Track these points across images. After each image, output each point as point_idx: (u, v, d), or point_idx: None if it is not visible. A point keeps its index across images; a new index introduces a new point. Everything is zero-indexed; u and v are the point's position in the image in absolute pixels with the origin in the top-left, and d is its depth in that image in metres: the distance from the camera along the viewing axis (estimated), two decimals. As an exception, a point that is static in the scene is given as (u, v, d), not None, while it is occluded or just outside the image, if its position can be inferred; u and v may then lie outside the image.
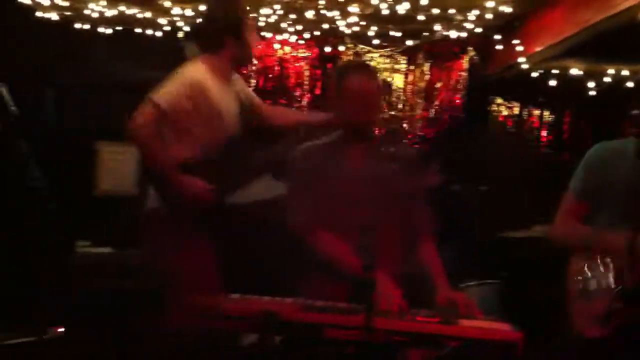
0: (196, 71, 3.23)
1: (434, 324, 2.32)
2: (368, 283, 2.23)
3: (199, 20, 3.45)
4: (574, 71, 5.00)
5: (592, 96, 5.28)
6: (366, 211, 2.67)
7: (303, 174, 2.87)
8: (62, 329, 3.31)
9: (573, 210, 2.85)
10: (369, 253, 2.06)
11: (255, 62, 5.92)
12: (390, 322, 2.31)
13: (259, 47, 3.37)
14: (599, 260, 2.67)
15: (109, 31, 5.53)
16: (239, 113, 3.39)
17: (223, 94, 3.28)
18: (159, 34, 5.62)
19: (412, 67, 5.95)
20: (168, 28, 5.56)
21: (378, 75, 2.92)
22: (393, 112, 5.91)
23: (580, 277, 2.74)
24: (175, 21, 5.44)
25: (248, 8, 4.35)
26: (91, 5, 5.12)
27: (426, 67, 5.95)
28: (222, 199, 3.17)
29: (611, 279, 2.61)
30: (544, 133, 6.13)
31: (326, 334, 2.32)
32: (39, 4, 5.09)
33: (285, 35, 5.83)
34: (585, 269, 2.74)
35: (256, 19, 5.27)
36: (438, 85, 5.96)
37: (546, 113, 6.16)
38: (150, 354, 3.22)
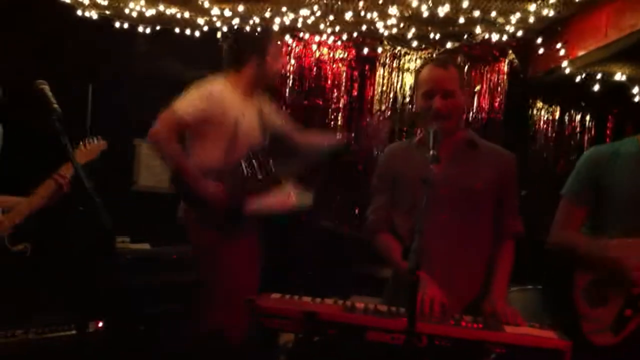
0: (216, 85, 3.41)
1: (478, 330, 2.29)
2: (413, 286, 2.20)
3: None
4: (618, 76, 4.91)
5: (637, 102, 5.19)
6: (437, 213, 2.53)
7: (382, 173, 2.84)
8: (102, 323, 3.35)
9: (571, 217, 2.82)
10: (418, 256, 2.01)
11: (292, 62, 5.97)
12: (434, 326, 2.28)
13: (281, 71, 3.50)
14: (605, 269, 2.64)
15: (148, 30, 5.58)
16: (261, 128, 3.54)
17: (243, 109, 3.44)
18: (197, 33, 5.65)
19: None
20: (206, 28, 5.59)
21: (460, 67, 2.69)
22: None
23: (588, 285, 2.71)
24: (214, 22, 5.47)
25: (286, 10, 4.42)
26: (131, 5, 5.17)
27: (465, 69, 5.89)
28: (239, 204, 3.28)
29: (619, 287, 2.59)
30: (585, 137, 6.04)
31: (368, 337, 2.30)
32: (80, 2, 5.16)
33: (324, 37, 5.84)
34: (593, 277, 2.71)
35: (295, 20, 5.30)
36: (477, 88, 5.91)
37: (588, 118, 6.06)
38: (188, 350, 3.24)
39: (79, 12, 5.25)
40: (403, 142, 2.90)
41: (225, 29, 5.61)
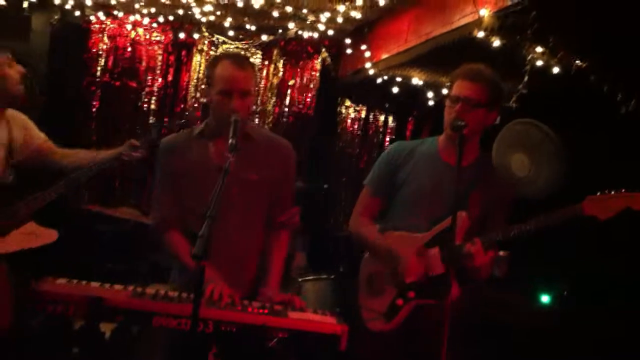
0: None
1: (262, 315, 2.37)
2: (199, 272, 2.24)
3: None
4: (415, 80, 5.25)
5: (431, 106, 5.54)
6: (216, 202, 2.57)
7: (162, 169, 2.79)
8: None
9: (367, 206, 3.01)
10: (204, 243, 2.05)
11: (106, 41, 5.76)
12: (220, 312, 2.34)
13: (20, 86, 3.09)
14: (383, 259, 2.85)
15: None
16: (7, 160, 3.15)
17: None
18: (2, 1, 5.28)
19: (266, 63, 6.01)
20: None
21: (249, 64, 2.71)
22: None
23: (368, 277, 2.93)
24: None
25: None
26: None
27: (280, 64, 6.03)
28: None
29: (394, 276, 2.81)
30: (387, 137, 6.39)
31: (154, 322, 2.30)
32: None
33: (139, 17, 5.69)
34: (372, 266, 2.93)
35: None
36: (291, 82, 6.06)
37: (390, 118, 6.43)
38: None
39: None
40: (180, 135, 2.84)
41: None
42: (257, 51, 5.96)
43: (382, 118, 6.44)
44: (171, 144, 2.79)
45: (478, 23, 3.37)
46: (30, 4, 5.41)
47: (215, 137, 2.71)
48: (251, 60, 5.80)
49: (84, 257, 4.49)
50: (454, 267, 2.54)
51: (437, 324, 2.35)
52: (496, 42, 3.47)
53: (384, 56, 4.79)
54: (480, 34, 3.41)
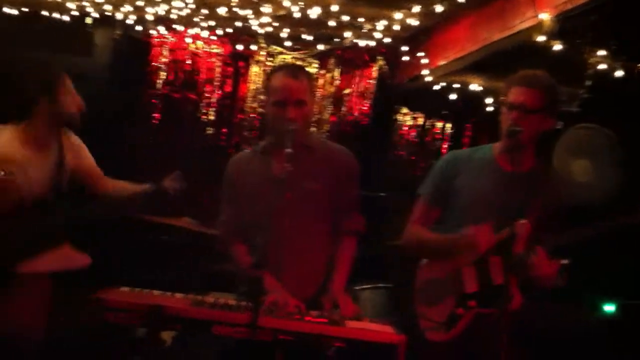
0: None
1: (320, 325, 2.38)
2: (257, 280, 2.27)
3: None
4: (474, 86, 5.20)
5: (490, 112, 5.47)
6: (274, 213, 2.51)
7: (227, 185, 2.88)
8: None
9: (422, 215, 2.97)
10: (262, 253, 2.09)
11: (168, 54, 5.89)
12: (278, 321, 2.35)
13: (81, 104, 3.11)
14: (443, 266, 2.81)
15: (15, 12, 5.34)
16: (53, 179, 3.16)
17: (25, 162, 3.06)
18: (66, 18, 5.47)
19: (323, 72, 6.03)
20: (76, 13, 5.42)
21: (306, 74, 2.76)
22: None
23: (425, 282, 2.89)
24: (85, 6, 5.31)
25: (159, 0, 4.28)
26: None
27: (337, 72, 6.05)
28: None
29: (454, 284, 2.77)
30: (444, 145, 6.33)
31: (214, 331, 2.34)
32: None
33: (198, 30, 5.80)
34: (430, 274, 2.89)
35: (169, 11, 5.24)
36: (347, 91, 6.07)
37: (448, 125, 6.37)
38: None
39: None
40: (246, 152, 2.96)
41: (96, 14, 5.49)
42: (314, 61, 5.99)
43: (439, 125, 6.38)
44: (237, 161, 2.90)
45: (538, 27, 3.32)
46: (94, 19, 5.59)
47: (275, 151, 2.75)
48: (307, 69, 5.89)
49: (144, 266, 4.58)
50: (516, 276, 2.49)
51: (498, 333, 2.31)
52: (556, 46, 3.41)
53: (441, 63, 4.77)
54: (540, 38, 3.36)
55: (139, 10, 5.37)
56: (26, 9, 5.37)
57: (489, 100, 5.39)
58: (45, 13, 5.42)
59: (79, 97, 3.14)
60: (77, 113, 3.12)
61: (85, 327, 2.88)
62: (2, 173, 2.98)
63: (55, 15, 5.46)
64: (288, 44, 5.80)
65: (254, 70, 6.06)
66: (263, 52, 5.97)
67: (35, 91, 3.04)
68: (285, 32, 5.55)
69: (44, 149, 3.11)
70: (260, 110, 5.95)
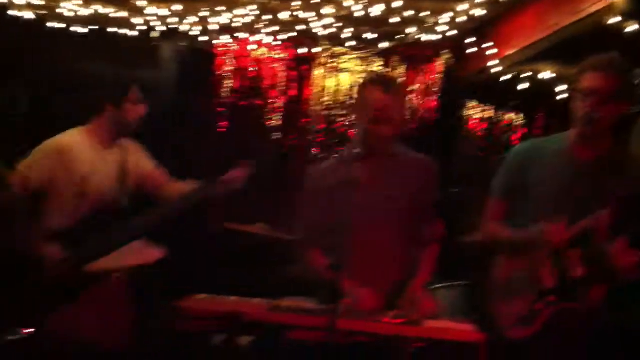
0: (67, 138, 3.29)
1: (397, 325, 2.35)
2: (334, 283, 2.27)
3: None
4: (544, 75, 5.05)
5: (562, 99, 5.31)
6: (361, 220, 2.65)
7: (312, 191, 2.96)
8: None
9: (498, 210, 2.91)
10: (341, 255, 2.14)
11: (233, 62, 5.97)
12: (355, 322, 2.34)
13: (142, 115, 3.33)
14: (521, 262, 2.72)
15: (83, 30, 5.50)
16: (121, 181, 3.35)
17: (97, 162, 3.28)
18: (133, 33, 5.60)
19: (387, 70, 5.98)
20: (143, 28, 5.54)
21: (398, 87, 2.90)
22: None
23: (502, 278, 2.81)
24: (150, 21, 5.43)
25: (222, 10, 4.36)
26: (65, 4, 5.08)
27: (401, 69, 5.98)
28: (78, 266, 3.08)
29: (533, 279, 2.67)
30: (515, 136, 6.17)
31: (290, 335, 2.35)
32: (13, 3, 5.05)
33: (261, 37, 5.84)
34: (508, 269, 2.80)
35: (231, 20, 5.30)
36: (413, 87, 6.00)
37: (518, 116, 6.21)
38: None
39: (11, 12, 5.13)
40: (331, 160, 3.05)
41: (162, 28, 5.60)
42: (378, 59, 5.94)
43: (508, 117, 6.23)
44: (322, 168, 3.01)
45: (610, 9, 3.21)
46: (160, 32, 5.70)
47: (361, 158, 2.79)
48: (371, 69, 5.87)
49: (222, 273, 4.65)
50: (596, 269, 2.41)
51: (579, 328, 2.24)
52: (631, 27, 3.28)
53: (509, 52, 4.67)
54: (613, 20, 3.24)
55: (203, 21, 5.45)
56: (95, 27, 5.52)
57: (560, 89, 5.23)
58: (113, 29, 5.57)
59: (143, 106, 3.33)
60: (137, 120, 3.33)
61: (165, 335, 2.92)
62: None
63: (124, 30, 5.59)
64: (350, 43, 5.77)
65: (317, 72, 6.06)
66: (326, 54, 5.97)
67: (104, 100, 3.30)
68: (347, 32, 5.53)
69: (107, 152, 3.33)
70: (324, 112, 5.96)
